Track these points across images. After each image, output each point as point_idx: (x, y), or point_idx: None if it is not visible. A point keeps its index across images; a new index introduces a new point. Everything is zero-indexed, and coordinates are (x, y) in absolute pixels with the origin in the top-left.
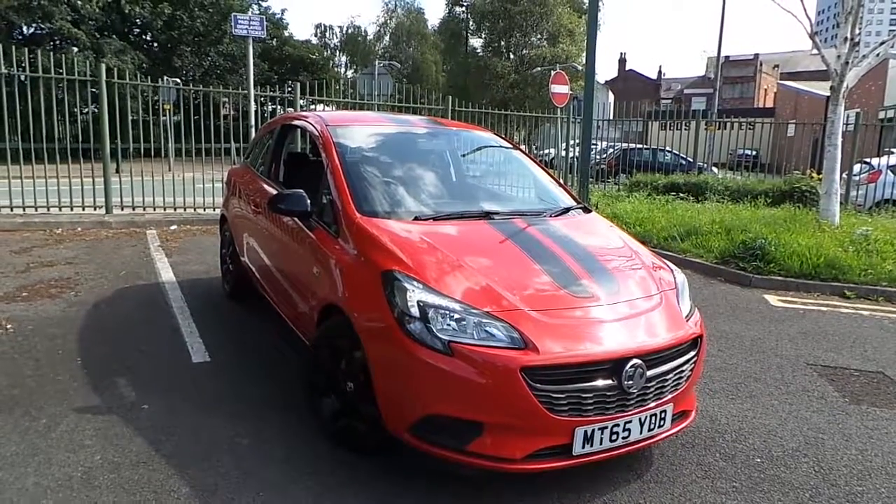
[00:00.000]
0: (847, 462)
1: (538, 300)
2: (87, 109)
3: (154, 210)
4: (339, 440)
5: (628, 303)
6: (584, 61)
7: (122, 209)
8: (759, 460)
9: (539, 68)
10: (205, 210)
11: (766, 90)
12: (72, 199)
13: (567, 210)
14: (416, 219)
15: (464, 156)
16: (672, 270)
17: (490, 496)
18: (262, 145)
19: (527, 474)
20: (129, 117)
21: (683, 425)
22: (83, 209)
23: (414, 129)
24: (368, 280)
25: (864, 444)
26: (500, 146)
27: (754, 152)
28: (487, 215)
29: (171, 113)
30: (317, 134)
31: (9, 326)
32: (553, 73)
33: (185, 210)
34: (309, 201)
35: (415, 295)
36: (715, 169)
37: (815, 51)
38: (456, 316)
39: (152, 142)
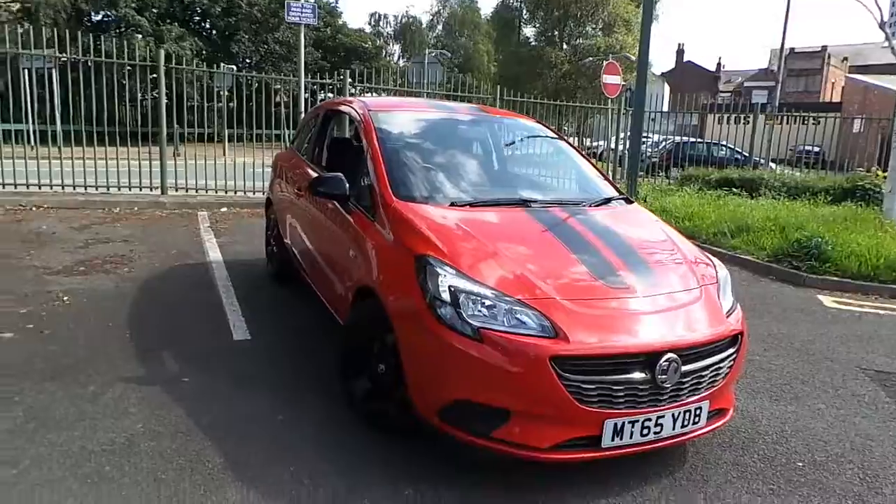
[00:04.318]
0: (895, 471)
1: (572, 290)
2: (147, 95)
3: (206, 192)
4: (370, 421)
5: (666, 296)
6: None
7: (177, 191)
8: (800, 464)
9: (591, 58)
10: (254, 193)
11: (833, 84)
12: (130, 180)
13: (608, 200)
14: (452, 204)
15: (506, 144)
16: (714, 265)
17: (515, 484)
18: (307, 130)
19: (555, 464)
20: (186, 102)
21: (719, 424)
22: (140, 190)
23: (456, 116)
24: (402, 264)
25: None
26: (544, 135)
27: (817, 148)
28: (525, 203)
29: (226, 99)
30: (358, 119)
31: (65, 298)
32: (605, 63)
33: (235, 193)
34: (347, 185)
35: (446, 280)
36: (773, 164)
37: (885, 43)
38: (487, 302)
39: (206, 127)
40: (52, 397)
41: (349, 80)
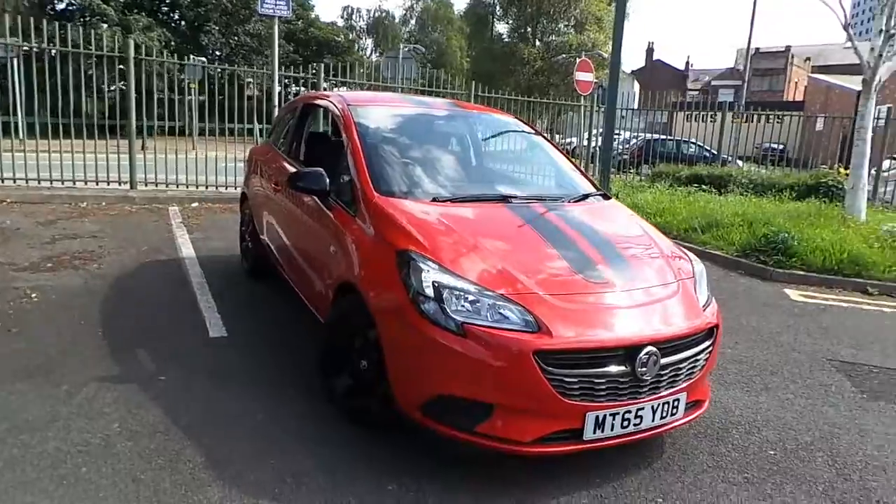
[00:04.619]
0: (862, 457)
1: (553, 284)
2: (113, 87)
3: (177, 187)
4: (351, 417)
5: (644, 290)
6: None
7: (146, 185)
8: (772, 452)
9: (564, 55)
10: (226, 188)
11: (796, 83)
12: (97, 174)
13: (586, 196)
14: (433, 200)
15: (484, 139)
16: (690, 259)
17: (498, 477)
18: (283, 124)
19: (537, 457)
20: (155, 95)
21: (696, 414)
22: (108, 184)
23: (435, 111)
24: (384, 259)
25: (881, 440)
26: (522, 131)
27: (782, 146)
28: (505, 199)
29: (196, 92)
30: (338, 113)
31: (33, 295)
32: (578, 60)
33: (206, 188)
34: (328, 180)
35: (430, 275)
36: (740, 162)
37: (848, 43)
38: (470, 297)
39: (177, 120)
40: (23, 398)
41: (323, 73)
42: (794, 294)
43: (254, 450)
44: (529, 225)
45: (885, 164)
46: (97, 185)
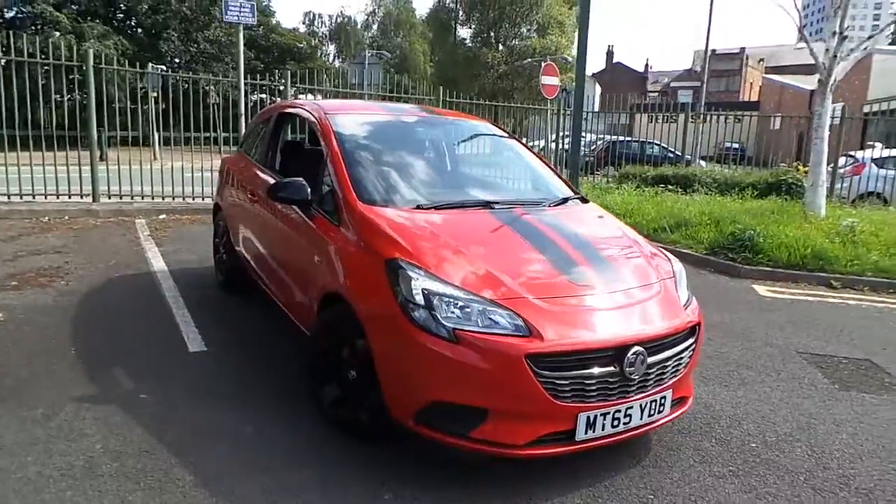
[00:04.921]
0: (839, 446)
1: (541, 288)
2: (68, 96)
3: (142, 199)
4: (341, 427)
5: (629, 291)
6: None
7: (110, 198)
8: (753, 445)
9: (529, 59)
10: (193, 199)
11: (751, 84)
12: (58, 187)
13: (565, 200)
14: (417, 207)
15: (462, 143)
16: (670, 259)
17: (491, 481)
18: (256, 134)
19: (527, 460)
20: (115, 104)
21: (681, 411)
22: (69, 197)
23: (412, 119)
24: (371, 268)
25: (855, 428)
26: (498, 136)
27: (737, 145)
28: (488, 204)
29: (156, 100)
30: (316, 122)
31: None
32: (543, 64)
33: (173, 199)
34: (309, 189)
35: (419, 283)
36: (703, 162)
37: (800, 45)
38: (460, 304)
39: (139, 129)
40: None
41: (289, 80)
42: (761, 289)
43: (244, 465)
44: (513, 230)
45: (841, 160)
46: (58, 198)
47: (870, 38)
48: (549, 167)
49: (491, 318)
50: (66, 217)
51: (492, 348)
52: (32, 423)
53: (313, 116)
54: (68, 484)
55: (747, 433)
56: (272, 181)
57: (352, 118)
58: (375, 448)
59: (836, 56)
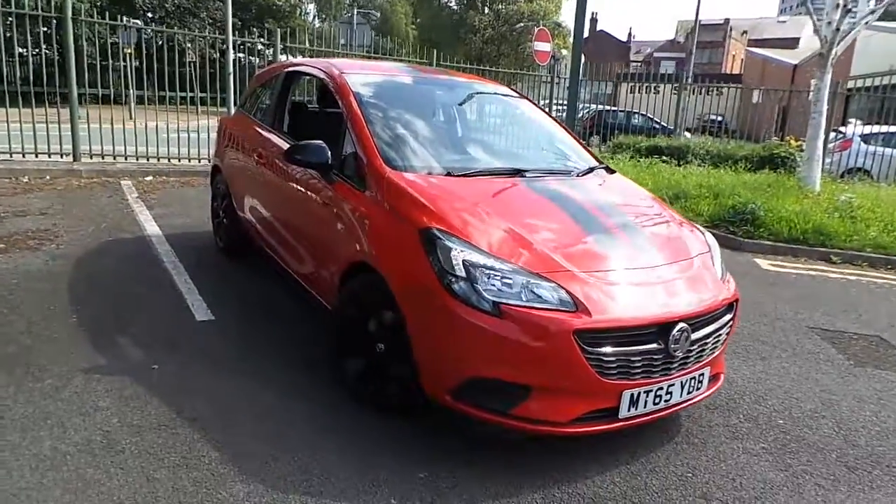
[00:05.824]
0: (864, 423)
1: (585, 262)
2: (34, 50)
3: (126, 159)
4: (367, 400)
5: (670, 266)
6: (561, 18)
7: (91, 157)
8: (781, 421)
9: (521, 24)
10: (180, 161)
11: (734, 56)
12: (36, 146)
13: (592, 170)
14: (448, 174)
15: (485, 110)
16: (703, 232)
17: (526, 460)
18: (257, 95)
19: (571, 437)
20: (86, 60)
21: (716, 387)
22: (49, 156)
23: (431, 81)
24: (405, 238)
25: (876, 405)
26: (521, 101)
27: (720, 118)
28: (518, 172)
29: (132, 57)
30: (332, 83)
31: None
32: (536, 29)
33: (159, 160)
34: (329, 153)
35: (460, 254)
36: (688, 133)
37: (782, 17)
38: (502, 276)
39: (110, 87)
40: (3, 393)
41: (279, 38)
42: (764, 263)
43: (270, 440)
44: (548, 199)
45: (831, 135)
46: (37, 157)
47: (872, 12)
48: (572, 135)
49: (534, 292)
50: (48, 177)
51: (538, 323)
52: (42, 395)
53: (329, 77)
54: (87, 461)
55: (773, 409)
56: (284, 144)
57: (370, 79)
58: (403, 423)
59: (838, 29)
